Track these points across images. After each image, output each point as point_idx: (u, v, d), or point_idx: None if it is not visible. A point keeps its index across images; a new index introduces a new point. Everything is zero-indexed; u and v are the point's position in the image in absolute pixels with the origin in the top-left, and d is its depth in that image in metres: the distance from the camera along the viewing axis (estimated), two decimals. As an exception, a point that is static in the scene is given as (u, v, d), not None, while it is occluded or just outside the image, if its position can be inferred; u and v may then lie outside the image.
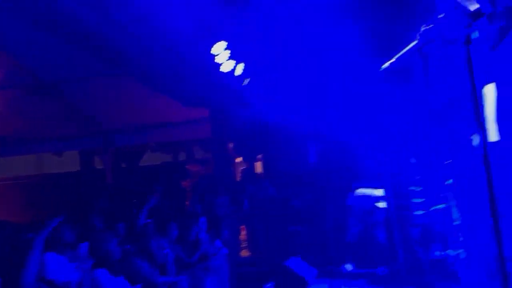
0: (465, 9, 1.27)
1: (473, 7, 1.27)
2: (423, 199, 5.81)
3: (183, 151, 11.13)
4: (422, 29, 1.75)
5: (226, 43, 6.11)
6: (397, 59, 1.81)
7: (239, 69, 6.58)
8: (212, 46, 6.02)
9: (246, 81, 6.89)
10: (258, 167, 11.84)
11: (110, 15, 5.02)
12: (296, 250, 6.67)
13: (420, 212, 5.74)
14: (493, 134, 1.69)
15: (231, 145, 8.98)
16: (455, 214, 4.31)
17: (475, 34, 1.28)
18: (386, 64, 1.81)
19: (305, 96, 7.41)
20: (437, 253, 5.73)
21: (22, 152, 10.30)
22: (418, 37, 1.77)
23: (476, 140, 1.50)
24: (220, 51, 6.10)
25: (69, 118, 9.16)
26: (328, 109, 7.22)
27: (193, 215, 6.90)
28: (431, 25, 1.69)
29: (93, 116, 9.46)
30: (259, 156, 10.82)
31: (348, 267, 7.16)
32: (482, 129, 1.41)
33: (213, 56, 6.06)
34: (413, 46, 1.80)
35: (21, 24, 5.69)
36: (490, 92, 1.69)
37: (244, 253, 9.17)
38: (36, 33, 5.91)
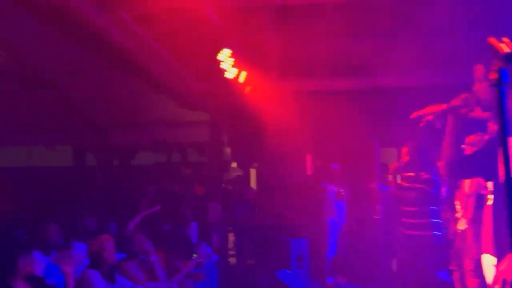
0: (496, 52, 1.30)
1: (505, 50, 1.30)
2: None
3: (177, 153, 10.98)
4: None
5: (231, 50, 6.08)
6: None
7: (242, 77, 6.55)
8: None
9: (248, 89, 6.84)
10: (253, 175, 11.73)
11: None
12: (285, 261, 6.57)
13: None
14: None
15: (228, 150, 8.90)
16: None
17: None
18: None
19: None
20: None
21: (12, 143, 10.11)
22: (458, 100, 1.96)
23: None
24: (225, 58, 6.08)
25: (63, 112, 9.01)
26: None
27: (184, 220, 6.77)
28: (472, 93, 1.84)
29: (88, 111, 9.32)
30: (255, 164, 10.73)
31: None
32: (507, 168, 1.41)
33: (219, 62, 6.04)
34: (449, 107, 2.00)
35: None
36: None
37: (233, 260, 9.03)
38: (33, 26, 5.79)
